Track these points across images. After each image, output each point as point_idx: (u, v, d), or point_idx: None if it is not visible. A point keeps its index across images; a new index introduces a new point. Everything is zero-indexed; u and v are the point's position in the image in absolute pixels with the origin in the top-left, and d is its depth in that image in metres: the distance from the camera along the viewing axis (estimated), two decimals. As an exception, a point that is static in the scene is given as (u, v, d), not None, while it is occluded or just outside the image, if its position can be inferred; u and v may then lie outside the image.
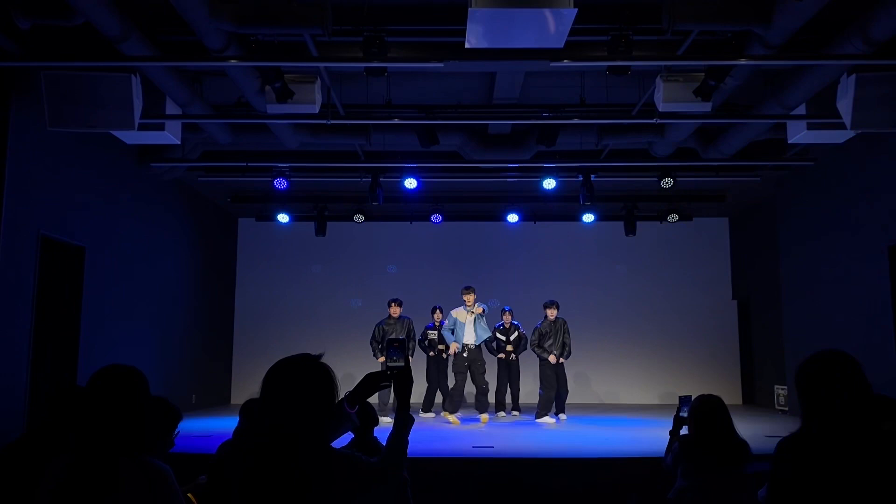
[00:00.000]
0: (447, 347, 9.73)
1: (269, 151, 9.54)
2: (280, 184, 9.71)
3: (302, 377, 2.01)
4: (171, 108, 7.25)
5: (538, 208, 12.23)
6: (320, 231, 11.92)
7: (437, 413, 9.84)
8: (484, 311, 9.44)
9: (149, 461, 2.31)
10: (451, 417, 9.19)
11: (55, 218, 7.27)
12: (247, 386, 11.98)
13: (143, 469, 2.27)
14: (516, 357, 9.97)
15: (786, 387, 10.47)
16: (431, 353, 10.03)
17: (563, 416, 9.63)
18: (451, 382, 9.68)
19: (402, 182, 9.85)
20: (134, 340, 9.06)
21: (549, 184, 9.97)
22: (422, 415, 9.73)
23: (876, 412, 2.25)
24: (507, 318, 10.07)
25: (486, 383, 9.43)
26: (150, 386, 2.45)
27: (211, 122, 7.89)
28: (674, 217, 11.78)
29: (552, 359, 9.50)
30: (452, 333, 9.44)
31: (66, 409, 3.14)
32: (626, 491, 5.66)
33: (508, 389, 9.96)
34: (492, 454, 6.65)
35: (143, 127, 6.88)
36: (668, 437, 3.98)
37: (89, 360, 7.71)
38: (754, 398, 12.22)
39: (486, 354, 9.67)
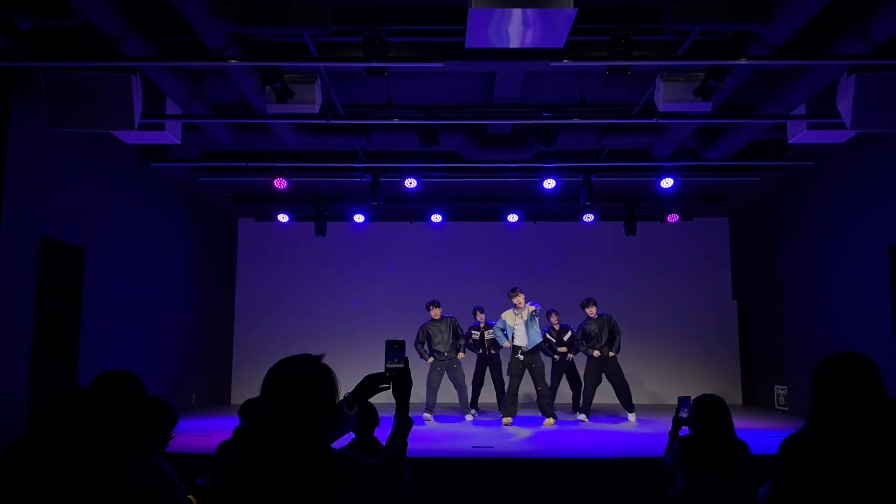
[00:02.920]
0: (494, 345, 9.70)
1: (269, 151, 9.54)
2: (280, 184, 9.72)
3: (302, 378, 2.01)
4: (171, 108, 7.26)
5: (538, 208, 12.21)
6: (320, 231, 11.91)
7: (489, 413, 9.78)
8: (536, 310, 9.21)
9: (151, 461, 2.36)
10: (505, 420, 8.98)
11: (55, 218, 7.26)
12: (247, 386, 11.97)
13: (145, 469, 2.31)
14: (573, 358, 9.90)
15: (786, 387, 10.47)
16: (480, 352, 10.03)
17: (631, 417, 9.41)
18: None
19: (402, 182, 9.84)
20: (134, 340, 9.05)
21: (549, 184, 9.97)
22: (471, 413, 9.61)
23: (887, 416, 2.23)
24: (554, 320, 9.98)
25: (546, 385, 9.22)
26: (151, 386, 2.53)
27: (211, 122, 7.88)
28: (674, 217, 11.79)
29: (596, 353, 9.44)
30: (504, 332, 9.30)
31: (66, 410, 3.15)
32: (626, 491, 5.66)
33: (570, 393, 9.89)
34: (492, 454, 6.65)
35: (143, 127, 6.88)
36: (668, 437, 3.98)
37: (89, 361, 7.71)
38: (754, 398, 12.22)
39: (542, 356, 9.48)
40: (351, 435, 3.94)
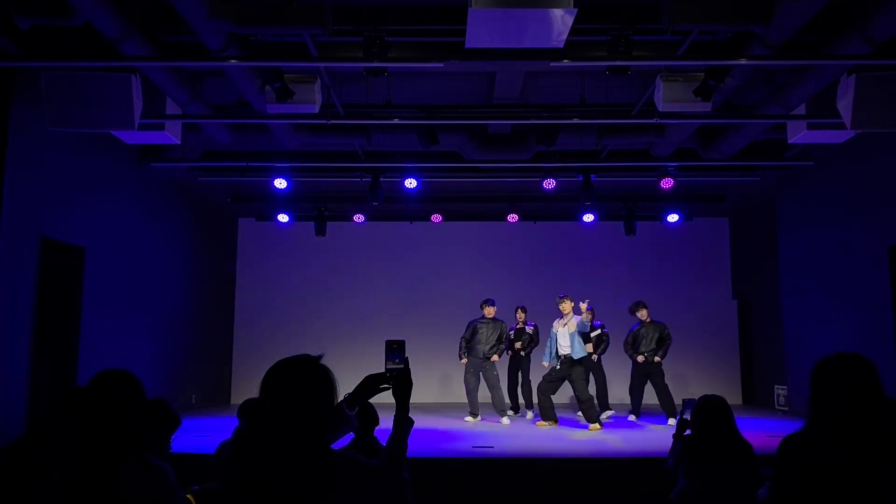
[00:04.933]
0: (529, 344, 9.73)
1: (269, 151, 9.54)
2: (280, 184, 9.72)
3: (301, 378, 2.01)
4: (171, 108, 7.26)
5: (538, 208, 12.22)
6: (320, 231, 11.91)
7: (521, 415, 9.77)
8: (591, 320, 8.92)
9: (147, 460, 2.36)
10: (545, 423, 8.78)
11: (55, 218, 7.26)
12: (247, 386, 11.97)
13: (142, 468, 2.31)
14: (598, 358, 9.70)
15: (786, 387, 10.46)
16: (511, 353, 9.97)
17: (671, 420, 9.07)
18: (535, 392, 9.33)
19: (402, 182, 9.84)
20: (134, 340, 9.05)
21: (549, 184, 9.97)
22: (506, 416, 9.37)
23: (886, 416, 2.24)
24: (587, 317, 9.83)
25: (587, 392, 8.74)
26: (151, 386, 2.53)
27: (211, 122, 7.88)
28: (674, 217, 11.79)
29: (640, 359, 9.36)
30: (548, 348, 8.95)
31: (66, 410, 3.15)
32: (627, 491, 5.66)
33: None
34: (492, 454, 6.65)
35: (143, 127, 6.88)
36: (672, 440, 3.97)
37: (89, 360, 7.71)
38: (754, 398, 12.21)
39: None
40: (351, 435, 3.94)
